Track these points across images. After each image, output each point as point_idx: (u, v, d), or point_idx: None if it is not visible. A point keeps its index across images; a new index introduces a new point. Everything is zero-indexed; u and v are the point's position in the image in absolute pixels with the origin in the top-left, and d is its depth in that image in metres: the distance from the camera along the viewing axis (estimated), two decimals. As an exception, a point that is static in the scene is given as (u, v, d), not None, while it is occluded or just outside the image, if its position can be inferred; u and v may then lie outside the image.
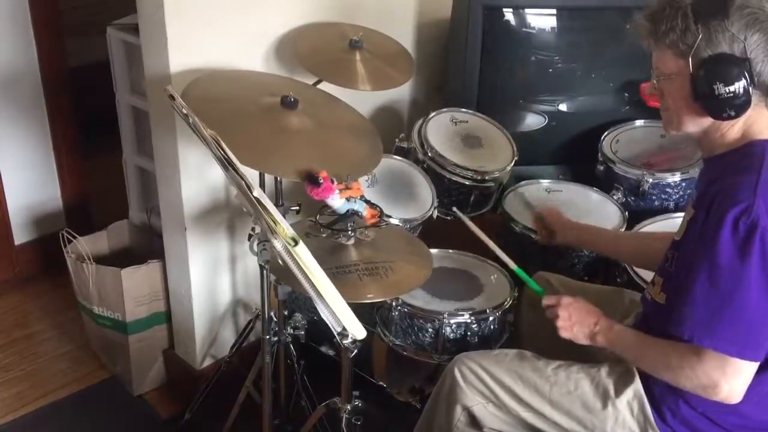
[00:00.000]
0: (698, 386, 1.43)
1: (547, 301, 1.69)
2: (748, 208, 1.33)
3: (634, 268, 2.06)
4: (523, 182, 2.45)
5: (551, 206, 2.20)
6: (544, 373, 1.64)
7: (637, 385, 1.57)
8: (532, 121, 2.66)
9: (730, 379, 1.39)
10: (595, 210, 2.33)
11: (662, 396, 1.54)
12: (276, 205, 2.03)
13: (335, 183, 1.64)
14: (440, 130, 2.41)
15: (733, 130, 1.44)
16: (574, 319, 1.62)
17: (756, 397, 1.45)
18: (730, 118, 1.39)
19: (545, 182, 2.46)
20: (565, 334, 1.62)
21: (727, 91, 1.35)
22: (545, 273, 2.02)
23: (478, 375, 1.65)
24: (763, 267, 1.34)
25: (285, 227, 1.31)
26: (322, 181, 1.61)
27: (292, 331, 2.16)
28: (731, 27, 1.34)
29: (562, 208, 2.20)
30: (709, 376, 1.40)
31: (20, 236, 2.92)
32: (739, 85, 1.34)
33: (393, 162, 2.34)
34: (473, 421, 1.68)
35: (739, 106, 1.37)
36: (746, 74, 1.34)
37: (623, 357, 1.58)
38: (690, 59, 1.37)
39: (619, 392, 1.58)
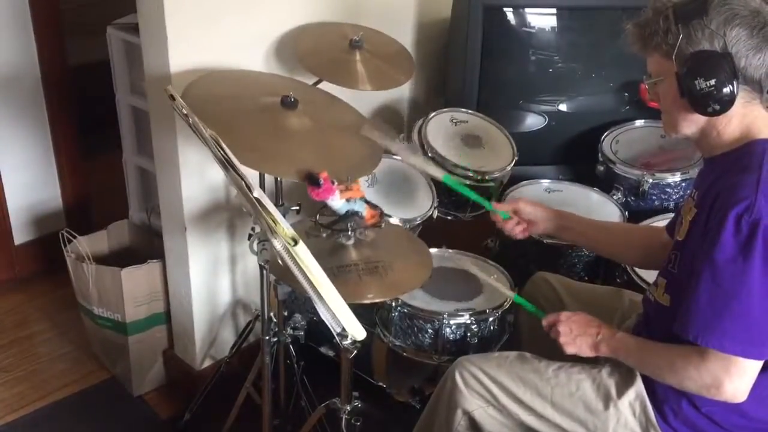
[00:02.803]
0: (702, 387, 1.43)
1: (546, 321, 1.68)
2: (750, 206, 1.33)
3: (635, 268, 2.06)
4: (523, 182, 2.45)
5: (512, 199, 2.00)
6: (545, 374, 1.64)
7: (639, 386, 1.57)
8: (532, 121, 2.65)
9: (734, 379, 1.39)
10: (595, 210, 2.32)
11: (665, 396, 1.54)
12: (276, 205, 2.03)
13: (335, 184, 1.64)
14: (440, 130, 2.40)
15: (730, 129, 1.45)
16: (576, 332, 1.61)
17: (760, 396, 1.45)
18: (716, 112, 1.40)
19: (545, 182, 2.46)
20: (569, 348, 1.61)
21: (708, 85, 1.37)
22: (545, 273, 2.02)
23: (478, 378, 1.65)
24: (766, 265, 1.34)
25: (285, 227, 1.31)
26: (322, 182, 1.61)
27: (291, 332, 2.17)
28: (710, 24, 1.36)
29: (563, 209, 2.20)
30: (713, 376, 1.40)
31: (20, 236, 2.92)
32: (720, 80, 1.36)
33: (393, 162, 2.34)
34: (473, 425, 1.67)
35: (723, 100, 1.38)
36: (728, 68, 1.36)
37: (627, 364, 1.58)
38: (674, 59, 1.40)
39: (620, 393, 1.58)
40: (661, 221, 2.24)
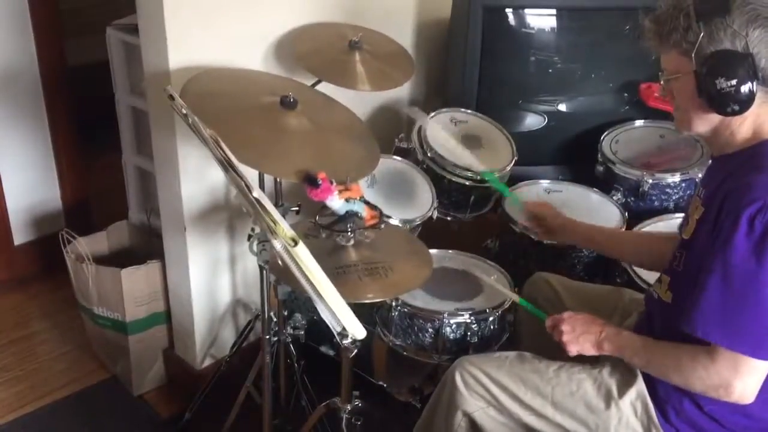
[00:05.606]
0: (711, 387, 1.42)
1: (549, 321, 1.67)
2: (763, 206, 1.33)
3: (635, 268, 2.06)
4: (522, 182, 2.45)
5: (543, 202, 2.14)
6: (546, 374, 1.64)
7: (640, 384, 1.57)
8: (532, 121, 2.65)
9: (744, 378, 1.39)
10: (595, 210, 2.32)
11: (666, 395, 1.54)
12: (275, 205, 2.03)
13: (334, 184, 1.64)
14: (440, 130, 2.40)
15: (743, 128, 1.44)
16: (579, 330, 1.61)
17: (764, 397, 1.44)
18: (734, 113, 1.39)
19: (545, 182, 2.46)
20: (572, 347, 1.61)
21: (729, 85, 1.35)
22: (544, 273, 2.02)
23: (479, 379, 1.65)
24: None
25: (284, 227, 1.31)
26: (320, 182, 1.60)
27: (291, 331, 2.17)
28: (732, 23, 1.35)
29: (562, 209, 2.20)
30: (722, 376, 1.40)
31: (20, 237, 2.92)
32: (741, 80, 1.35)
33: (393, 162, 2.34)
34: (474, 426, 1.67)
35: (742, 101, 1.37)
36: (749, 69, 1.35)
37: (632, 363, 1.57)
38: (693, 57, 1.38)
39: (622, 393, 1.58)
40: (661, 222, 2.25)
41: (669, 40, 1.42)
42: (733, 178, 1.41)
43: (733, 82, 1.35)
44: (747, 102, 1.37)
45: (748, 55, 1.35)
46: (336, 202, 1.66)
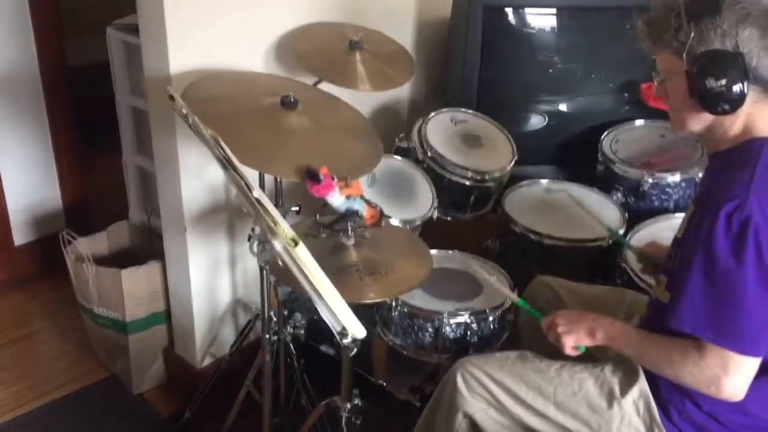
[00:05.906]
0: (701, 382, 1.43)
1: (544, 323, 1.66)
2: (740, 204, 1.34)
3: (635, 269, 2.06)
4: (523, 182, 2.45)
5: (651, 242, 2.01)
6: (548, 374, 1.64)
7: (643, 383, 1.57)
8: (532, 121, 2.66)
9: (733, 375, 1.39)
10: (595, 211, 2.32)
11: (669, 395, 1.54)
12: (276, 205, 2.03)
13: (335, 180, 1.64)
14: (440, 129, 2.41)
15: (735, 126, 1.45)
16: (572, 321, 1.61)
17: (764, 395, 1.45)
18: (725, 112, 1.40)
19: (545, 182, 2.46)
20: (568, 339, 1.59)
21: (719, 85, 1.37)
22: (545, 277, 2.01)
23: (480, 380, 1.64)
24: (758, 262, 1.34)
25: (285, 228, 1.31)
26: (322, 177, 1.60)
27: (291, 330, 2.17)
28: (723, 23, 1.36)
29: (563, 209, 2.20)
30: (712, 372, 1.40)
31: (20, 237, 2.92)
32: (731, 79, 1.36)
33: (393, 162, 2.35)
34: (474, 428, 1.67)
35: (733, 100, 1.38)
36: (739, 68, 1.36)
37: (625, 354, 1.57)
38: (684, 57, 1.40)
39: (624, 392, 1.58)
40: (661, 223, 2.25)
41: (661, 41, 1.44)
42: (720, 176, 1.43)
43: (723, 81, 1.36)
44: (738, 101, 1.38)
45: (738, 55, 1.36)
46: (337, 199, 1.65)
